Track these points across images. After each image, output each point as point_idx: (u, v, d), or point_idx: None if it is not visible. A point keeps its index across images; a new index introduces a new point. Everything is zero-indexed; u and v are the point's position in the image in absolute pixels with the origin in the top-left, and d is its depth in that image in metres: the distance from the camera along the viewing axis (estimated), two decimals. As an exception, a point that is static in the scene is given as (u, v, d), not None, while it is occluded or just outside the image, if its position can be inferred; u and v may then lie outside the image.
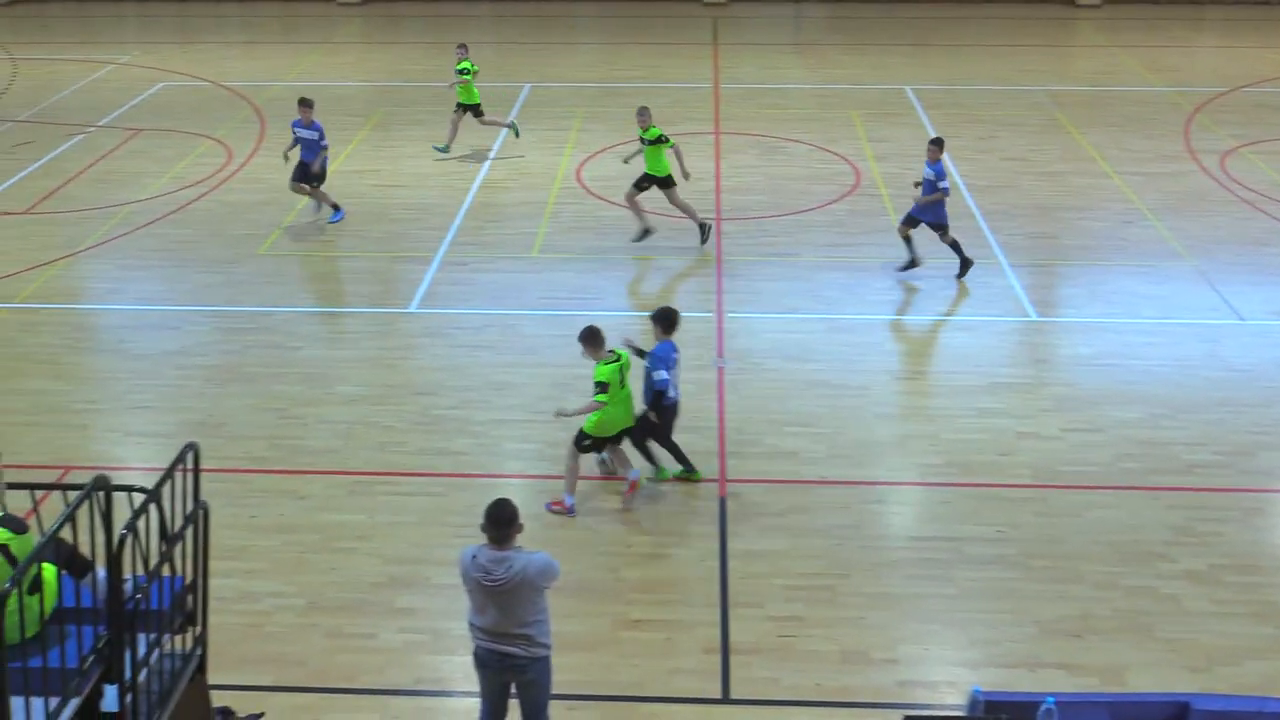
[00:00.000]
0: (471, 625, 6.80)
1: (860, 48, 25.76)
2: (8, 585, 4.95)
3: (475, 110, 18.50)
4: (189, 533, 6.30)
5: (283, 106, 21.35)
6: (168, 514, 6.08)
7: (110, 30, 28.31)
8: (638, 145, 15.15)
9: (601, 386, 9.81)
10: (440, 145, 18.55)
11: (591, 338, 10.05)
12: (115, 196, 16.95)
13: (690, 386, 12.01)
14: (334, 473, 10.67)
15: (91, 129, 20.18)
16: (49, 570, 5.79)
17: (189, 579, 6.44)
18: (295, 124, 15.71)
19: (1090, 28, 27.60)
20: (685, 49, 25.65)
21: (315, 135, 15.61)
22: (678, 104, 21.44)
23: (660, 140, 14.84)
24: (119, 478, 6.16)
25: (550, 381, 12.08)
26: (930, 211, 13.98)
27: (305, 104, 15.75)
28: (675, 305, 13.25)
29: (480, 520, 6.68)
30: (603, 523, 9.96)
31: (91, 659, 5.66)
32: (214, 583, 6.92)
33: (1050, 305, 13.94)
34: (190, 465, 6.29)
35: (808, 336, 13.03)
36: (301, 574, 9.33)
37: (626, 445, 10.31)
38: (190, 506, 6.32)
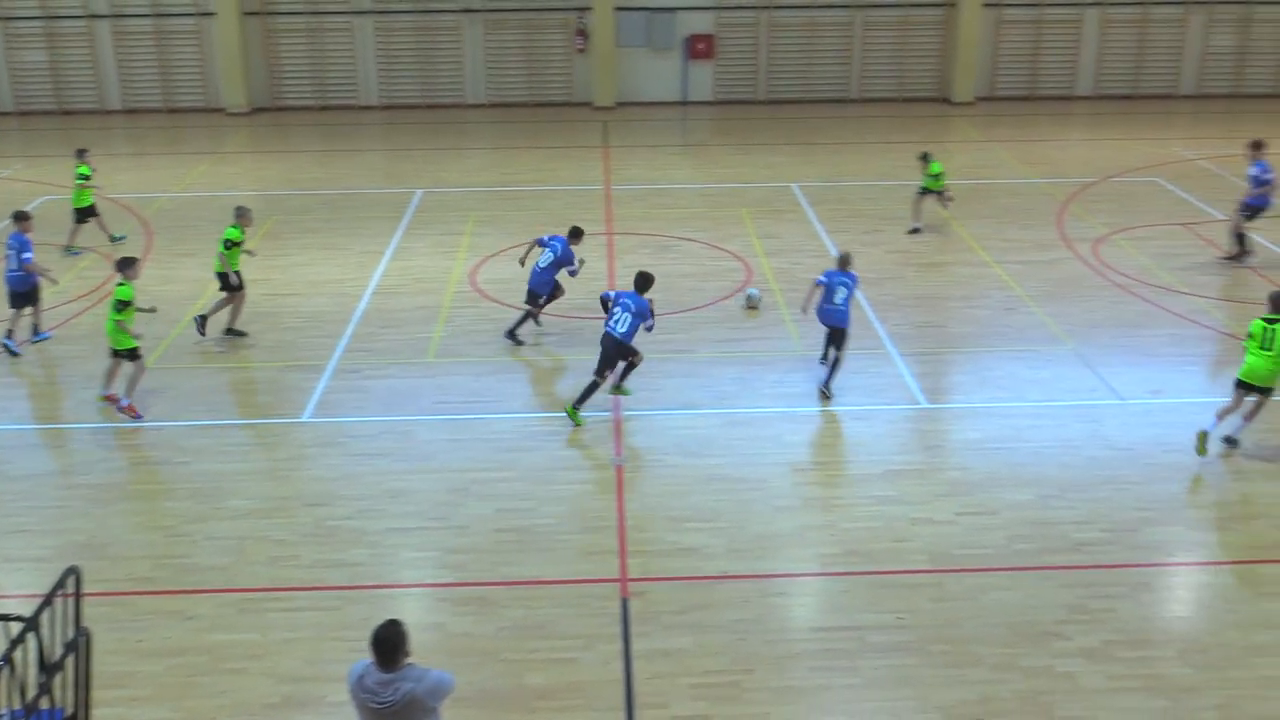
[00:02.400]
0: (362, 743, 6.63)
1: (746, 148, 26.43)
2: None
3: (89, 212, 19.40)
4: (69, 662, 6.07)
5: (171, 217, 21.14)
6: (47, 642, 5.86)
7: (-10, 145, 27.85)
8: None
9: (121, 304, 13.19)
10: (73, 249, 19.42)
11: (122, 263, 13.40)
12: (-6, 314, 16.52)
13: (589, 487, 12.01)
14: (224, 591, 10.36)
15: (-30, 245, 19.68)
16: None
17: (69, 711, 6.19)
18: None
19: (965, 123, 28.71)
20: (576, 151, 26.06)
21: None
22: (570, 205, 21.70)
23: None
24: (-8, 607, 5.93)
25: (448, 487, 11.97)
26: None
27: None
28: (571, 404, 13.31)
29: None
30: (504, 630, 9.81)
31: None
32: (96, 713, 6.65)
33: (940, 392, 14.26)
34: (71, 590, 6.09)
35: (705, 432, 13.12)
36: (190, 698, 9.00)
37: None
38: (71, 634, 6.10)
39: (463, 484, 12.03)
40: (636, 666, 9.35)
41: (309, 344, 15.59)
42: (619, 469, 12.35)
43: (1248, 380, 12.43)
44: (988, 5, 30.13)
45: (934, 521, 11.34)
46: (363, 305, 16.96)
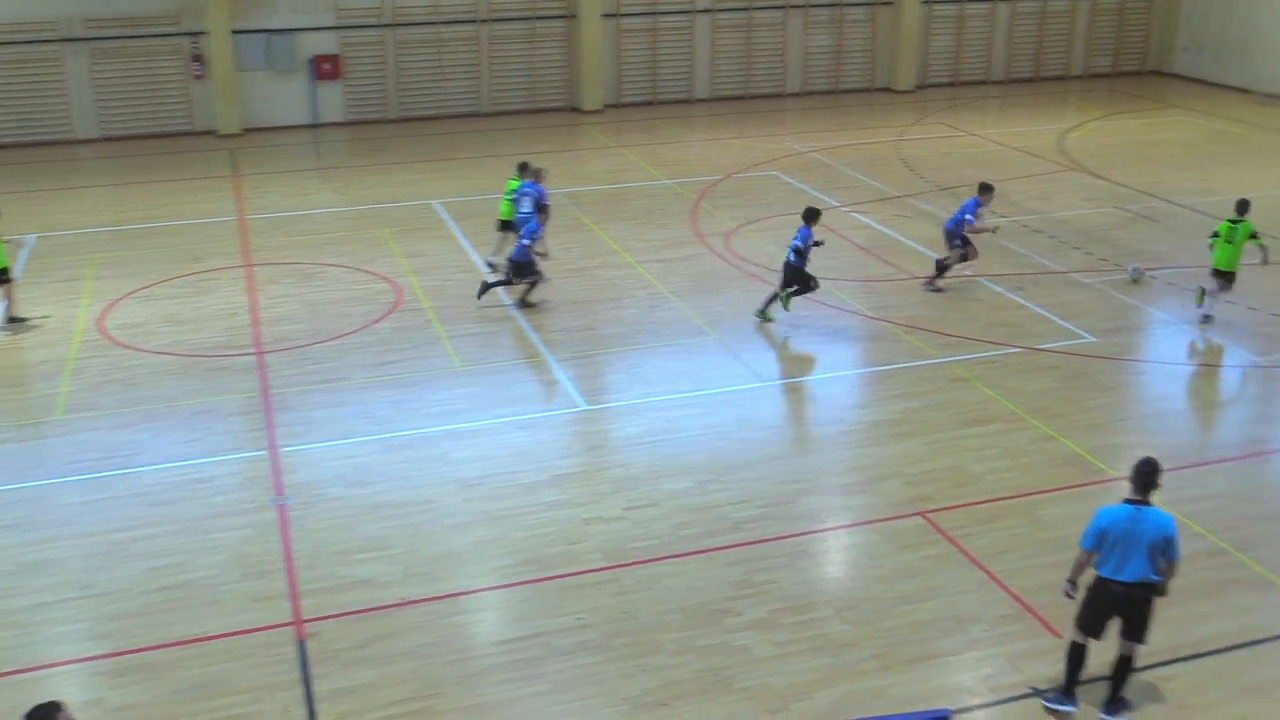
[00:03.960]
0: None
1: (384, 167, 26.08)
2: None
3: None
4: None
5: None
6: None
7: None
8: None
9: None
10: None
11: None
12: None
13: (248, 531, 11.48)
14: None
15: None
16: None
17: None
18: None
19: (596, 131, 29.56)
20: (203, 183, 24.82)
21: None
22: (202, 240, 20.66)
23: None
24: None
25: (93, 552, 11.11)
26: None
27: None
28: (221, 451, 12.71)
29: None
30: (173, 695, 9.21)
31: None
32: None
33: (597, 393, 14.62)
34: None
35: (366, 459, 12.84)
36: None
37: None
38: None
39: (109, 546, 11.20)
40: (320, 709, 9.03)
41: (-87, 415, 14.06)
42: (280, 508, 11.88)
43: (1219, 267, 16.31)
44: (607, 15, 31.18)
45: (604, 520, 11.61)
46: (-26, 366, 15.46)
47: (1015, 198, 22.75)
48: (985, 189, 17.58)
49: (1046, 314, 16.74)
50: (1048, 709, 8.98)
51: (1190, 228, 20.69)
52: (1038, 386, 14.48)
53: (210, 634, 9.93)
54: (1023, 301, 17.30)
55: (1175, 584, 8.99)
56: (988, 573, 10.67)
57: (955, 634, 9.85)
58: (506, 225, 18.44)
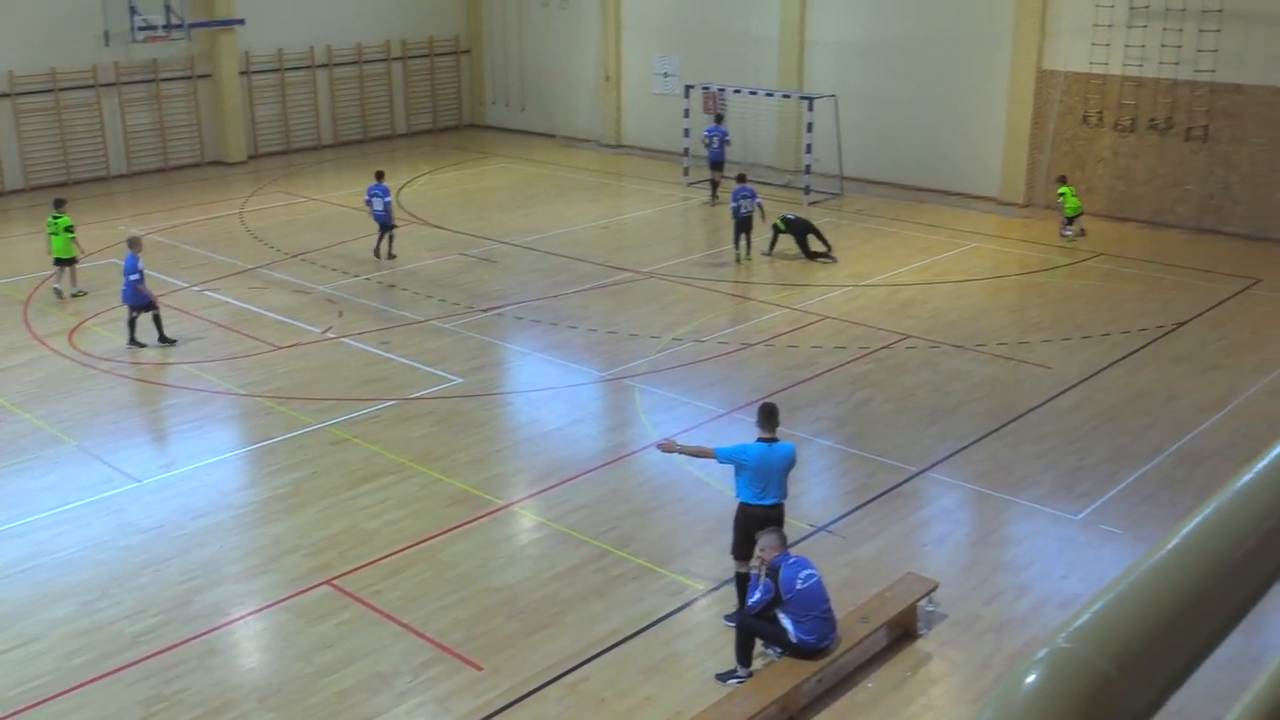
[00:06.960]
0: None
1: None
2: None
3: None
4: None
5: None
6: None
7: None
8: None
9: None
10: None
11: None
12: None
13: None
14: None
15: None
16: None
17: None
18: None
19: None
20: None
21: None
22: None
23: None
24: None
25: None
26: None
27: None
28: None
29: None
30: None
31: None
32: None
33: (-58, 531, 12.88)
34: None
35: None
36: None
37: None
38: None
39: None
40: None
41: None
42: None
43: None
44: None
45: (-26, 671, 10.28)
46: None
47: (364, 255, 23.35)
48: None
49: (413, 363, 17.39)
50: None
51: (524, 265, 22.51)
52: (417, 434, 15.00)
53: None
54: (389, 355, 17.82)
55: (570, 592, 9.74)
56: (401, 624, 10.87)
57: (382, 692, 9.93)
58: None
